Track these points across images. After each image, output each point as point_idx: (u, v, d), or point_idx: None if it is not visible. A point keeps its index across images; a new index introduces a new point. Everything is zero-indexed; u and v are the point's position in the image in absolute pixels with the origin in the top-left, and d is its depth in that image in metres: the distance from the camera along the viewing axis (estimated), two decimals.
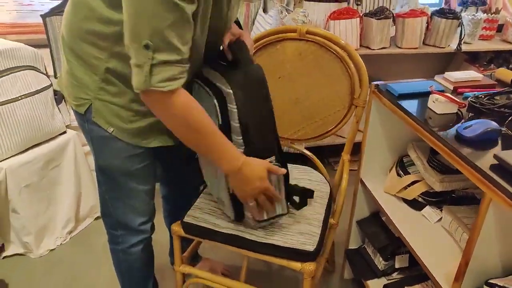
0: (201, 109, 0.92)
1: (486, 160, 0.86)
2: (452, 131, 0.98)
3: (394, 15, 2.11)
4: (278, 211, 1.11)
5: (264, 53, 1.43)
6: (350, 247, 1.59)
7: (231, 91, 0.97)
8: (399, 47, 2.15)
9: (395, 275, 1.46)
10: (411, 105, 1.13)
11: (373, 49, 2.08)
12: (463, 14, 2.25)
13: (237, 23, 1.18)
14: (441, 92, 1.11)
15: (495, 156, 0.84)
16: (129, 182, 1.12)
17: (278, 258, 1.13)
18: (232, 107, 0.98)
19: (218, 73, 1.01)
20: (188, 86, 1.06)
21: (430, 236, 1.17)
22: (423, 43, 2.22)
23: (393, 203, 1.32)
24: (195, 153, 1.32)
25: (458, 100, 1.05)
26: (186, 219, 1.23)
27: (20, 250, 1.77)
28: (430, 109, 1.10)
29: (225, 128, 1.00)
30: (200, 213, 1.24)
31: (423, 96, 1.17)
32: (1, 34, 1.96)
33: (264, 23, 1.93)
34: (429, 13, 2.17)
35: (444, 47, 2.17)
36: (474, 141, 0.93)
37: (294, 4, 2.09)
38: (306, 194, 1.16)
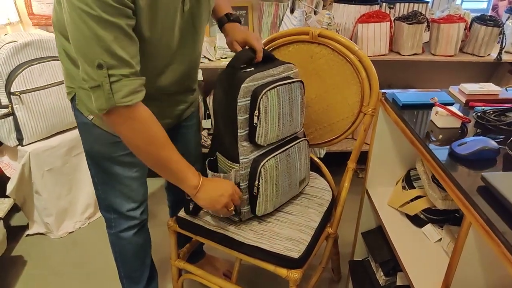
0: (160, 126, 0.95)
1: (474, 181, 0.80)
2: (447, 147, 0.92)
3: (429, 20, 2.01)
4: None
5: (276, 54, 1.41)
6: (355, 259, 1.54)
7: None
8: (433, 54, 2.04)
9: None
10: (414, 117, 1.08)
11: (404, 55, 2.00)
12: (508, 21, 2.10)
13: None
14: (446, 104, 1.04)
15: (482, 177, 0.78)
16: (113, 168, 1.15)
17: (264, 262, 1.12)
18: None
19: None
20: None
21: (427, 256, 1.11)
22: (461, 51, 2.09)
23: (395, 217, 1.26)
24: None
25: (461, 115, 0.98)
26: (181, 213, 1.25)
27: (42, 230, 1.89)
28: (433, 122, 1.04)
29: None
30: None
31: (427, 107, 1.10)
32: (44, 25, 2.09)
33: (289, 24, 1.91)
34: (469, 20, 2.04)
35: (483, 56, 2.03)
36: (467, 159, 0.86)
37: (324, 6, 2.05)
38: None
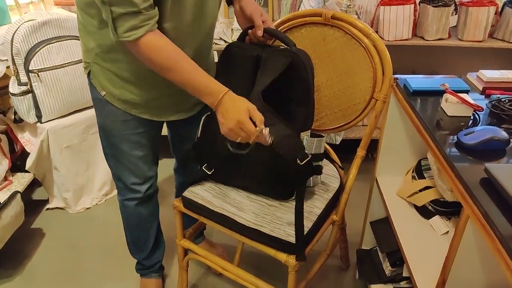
0: (173, 49, 0.94)
1: (477, 173, 0.76)
2: (454, 136, 0.88)
3: (457, 3, 1.91)
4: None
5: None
6: (362, 248, 1.52)
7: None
8: (460, 39, 1.95)
9: (403, 284, 1.36)
10: (424, 104, 1.03)
11: (428, 40, 1.91)
12: None
13: None
14: (461, 91, 0.99)
15: (485, 169, 0.74)
16: (120, 144, 1.19)
17: (265, 246, 1.12)
18: None
19: None
20: None
21: (432, 248, 1.07)
22: (491, 36, 1.99)
23: (403, 207, 1.23)
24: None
25: (472, 102, 0.93)
26: (186, 193, 1.26)
27: (61, 205, 1.96)
28: (443, 109, 0.99)
29: None
30: (201, 190, 1.26)
31: (439, 94, 1.05)
32: (66, 4, 2.13)
33: (308, 6, 1.86)
34: (501, 3, 1.93)
35: None
36: (473, 149, 0.82)
37: None
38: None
